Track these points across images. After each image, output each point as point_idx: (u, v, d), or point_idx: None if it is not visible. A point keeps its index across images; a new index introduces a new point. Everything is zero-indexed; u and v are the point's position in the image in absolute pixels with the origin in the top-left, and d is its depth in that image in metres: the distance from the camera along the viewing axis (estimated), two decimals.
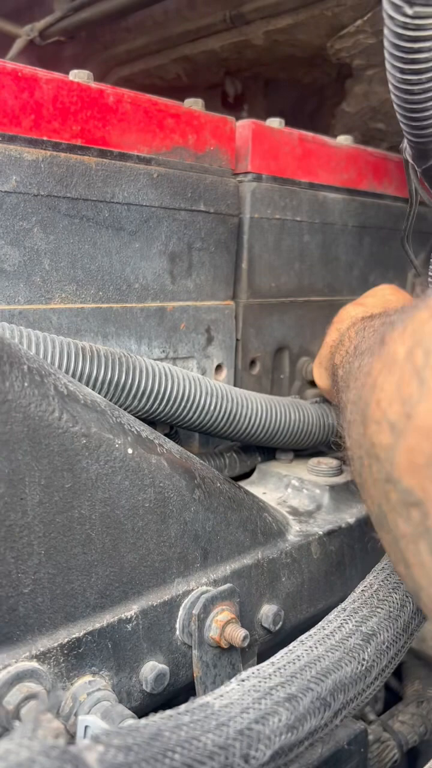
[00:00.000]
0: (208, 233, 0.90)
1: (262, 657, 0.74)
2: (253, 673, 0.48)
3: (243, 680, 0.47)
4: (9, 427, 0.49)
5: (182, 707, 0.43)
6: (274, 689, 0.46)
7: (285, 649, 0.52)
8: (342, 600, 0.82)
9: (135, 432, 0.60)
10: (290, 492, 0.88)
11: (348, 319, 0.88)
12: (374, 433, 0.47)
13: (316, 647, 0.52)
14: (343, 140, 1.10)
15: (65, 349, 0.69)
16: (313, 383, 1.06)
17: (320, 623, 0.56)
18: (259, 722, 0.43)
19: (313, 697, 0.47)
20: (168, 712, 0.42)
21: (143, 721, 0.41)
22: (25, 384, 0.50)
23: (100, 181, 0.77)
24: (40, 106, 0.72)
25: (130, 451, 0.59)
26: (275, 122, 0.97)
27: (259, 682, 0.47)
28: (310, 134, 1.03)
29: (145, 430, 0.63)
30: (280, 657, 0.51)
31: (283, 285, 1.02)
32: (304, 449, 0.96)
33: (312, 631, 0.54)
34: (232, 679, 0.47)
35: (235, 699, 0.45)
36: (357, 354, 0.69)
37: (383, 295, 0.92)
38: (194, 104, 0.87)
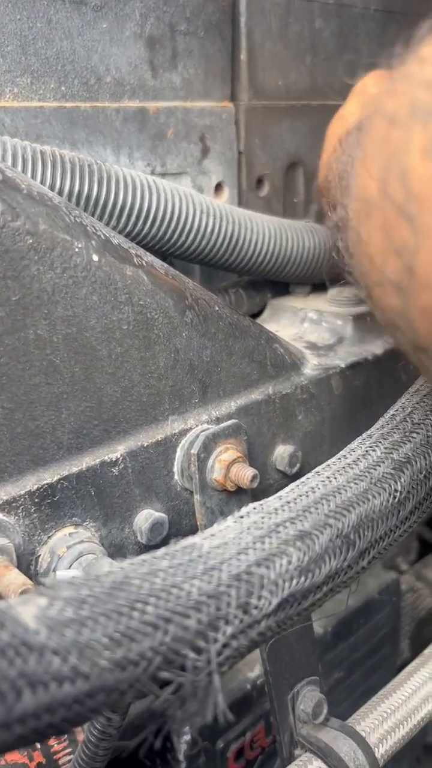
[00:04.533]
0: (195, 12, 0.73)
1: None
2: (254, 508, 0.38)
3: (241, 517, 0.37)
4: None
5: (160, 551, 0.34)
6: (281, 526, 0.37)
7: (296, 482, 0.42)
8: None
9: (102, 237, 0.48)
10: (307, 326, 0.76)
11: (329, 149, 0.73)
12: (380, 297, 0.38)
13: (335, 477, 0.42)
14: None
15: (19, 152, 0.55)
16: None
17: (340, 453, 0.46)
18: (262, 565, 0.34)
19: (333, 534, 0.38)
20: (142, 556, 0.33)
21: (107, 567, 0.32)
22: None
23: None
24: None
25: (95, 258, 0.46)
26: None
27: (262, 518, 0.37)
28: None
29: (117, 237, 0.50)
30: (289, 490, 0.41)
31: (293, 84, 0.84)
32: (320, 282, 0.83)
33: (330, 460, 0.44)
34: (228, 517, 0.38)
35: (231, 539, 0.35)
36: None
37: (364, 92, 0.75)
38: None
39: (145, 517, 0.52)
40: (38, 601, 0.28)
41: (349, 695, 0.77)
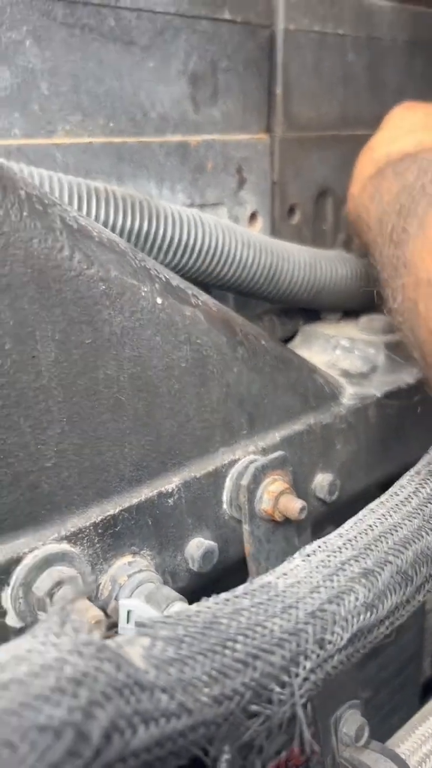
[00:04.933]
0: (235, 49, 0.75)
1: (315, 531, 0.68)
2: (319, 546, 0.41)
3: (309, 555, 0.40)
4: (8, 268, 0.40)
5: (239, 589, 0.36)
6: (347, 564, 0.39)
7: (353, 519, 0.44)
8: (401, 467, 0.74)
9: (163, 279, 0.50)
10: (339, 353, 0.78)
11: (358, 182, 0.75)
12: None
13: (390, 515, 0.44)
14: None
15: (75, 189, 0.58)
16: None
17: (390, 489, 0.48)
18: (333, 602, 0.36)
19: (393, 571, 0.40)
20: (223, 595, 0.35)
21: (194, 607, 0.34)
22: (24, 214, 0.40)
23: None
24: None
25: (159, 300, 0.49)
26: None
27: (328, 556, 0.40)
28: None
29: (175, 278, 0.53)
30: (349, 528, 0.43)
31: (325, 115, 0.87)
32: (353, 309, 0.85)
33: (383, 498, 0.46)
34: (295, 555, 0.40)
35: (302, 577, 0.37)
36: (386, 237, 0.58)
37: (394, 124, 0.77)
38: None
39: (197, 545, 0.54)
40: (142, 641, 0.30)
41: (376, 713, 0.79)
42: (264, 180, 0.82)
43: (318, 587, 0.37)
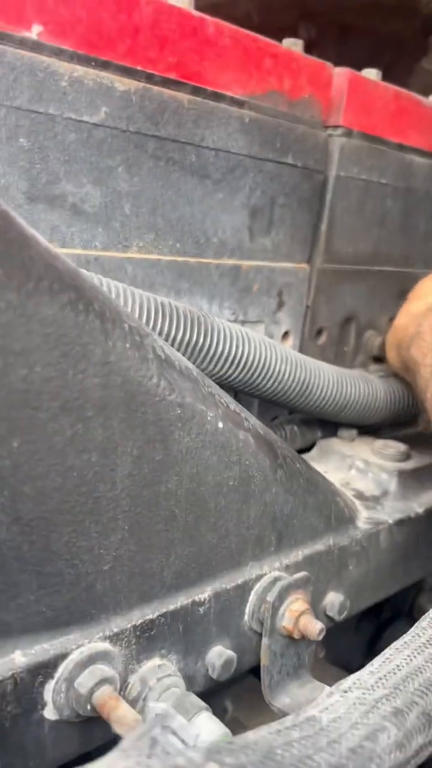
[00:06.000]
0: (293, 189, 0.83)
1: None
2: (354, 683, 0.44)
3: (345, 691, 0.43)
4: (108, 392, 0.44)
5: (288, 720, 0.39)
6: (380, 702, 0.42)
7: (381, 657, 0.48)
8: (403, 586, 0.78)
9: (224, 404, 0.55)
10: (354, 474, 0.83)
11: (424, 301, 0.82)
12: None
13: (415, 656, 0.48)
14: None
15: (144, 303, 0.63)
16: (377, 359, 1.01)
17: (412, 630, 0.52)
18: (370, 739, 0.40)
19: (419, 712, 0.43)
20: (274, 725, 0.38)
21: (251, 735, 0.37)
22: (127, 345, 0.45)
23: (191, 121, 0.70)
24: (138, 30, 0.64)
25: (220, 425, 0.54)
26: (372, 73, 0.89)
27: (363, 693, 0.43)
28: (404, 90, 0.95)
29: (232, 403, 0.58)
30: (378, 666, 0.47)
31: (360, 251, 0.95)
32: (368, 426, 0.91)
33: (406, 638, 0.50)
34: (332, 689, 0.43)
35: (342, 713, 0.41)
36: None
37: None
38: (293, 45, 0.79)
39: (218, 654, 0.57)
40: (211, 767, 0.33)
41: None
42: (300, 304, 0.89)
43: (356, 724, 0.40)
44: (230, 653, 0.57)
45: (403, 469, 0.82)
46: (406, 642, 0.50)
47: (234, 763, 0.34)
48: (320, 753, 0.37)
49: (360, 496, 0.79)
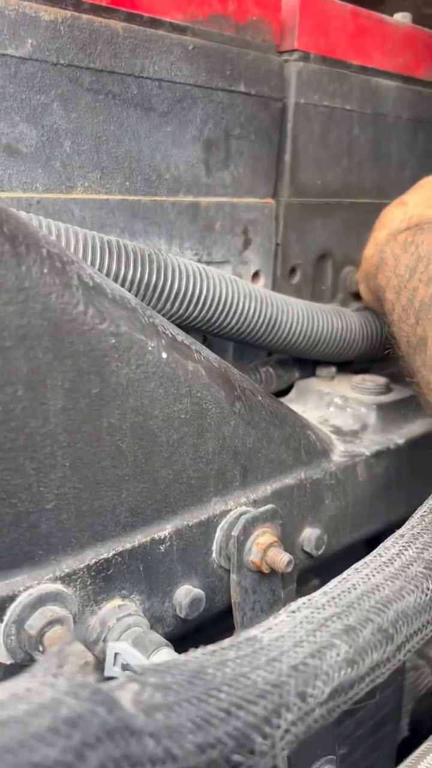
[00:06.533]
0: (248, 119, 0.80)
1: (300, 582, 0.69)
2: (304, 603, 0.42)
3: (293, 611, 0.41)
4: (27, 320, 0.42)
5: (226, 642, 0.38)
6: (330, 620, 0.41)
7: (338, 578, 0.46)
8: (386, 525, 0.77)
9: (169, 335, 0.53)
10: (333, 411, 0.81)
11: (387, 229, 0.79)
12: None
13: (374, 575, 0.46)
14: (401, 18, 0.97)
15: (89, 242, 0.61)
16: (357, 295, 0.97)
17: (375, 550, 0.50)
18: (315, 656, 0.38)
19: (374, 629, 0.42)
20: (210, 647, 0.37)
21: (182, 656, 0.36)
22: (45, 270, 0.43)
23: (128, 50, 0.67)
24: None
25: (164, 355, 0.51)
26: None
27: (312, 612, 0.41)
28: (364, 10, 0.90)
29: (180, 334, 0.55)
30: (333, 586, 0.45)
31: (329, 183, 0.91)
32: (346, 362, 0.88)
33: (367, 558, 0.48)
34: (281, 611, 0.42)
35: (286, 632, 0.39)
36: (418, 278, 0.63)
37: None
38: None
39: (185, 592, 0.56)
40: (132, 687, 0.32)
41: None
42: (268, 241, 0.86)
43: (301, 642, 0.38)
44: (198, 591, 0.56)
45: (382, 402, 0.79)
46: (366, 562, 0.48)
47: (157, 683, 0.33)
48: (257, 671, 0.35)
49: (338, 431, 0.77)
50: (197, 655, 0.36)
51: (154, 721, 0.30)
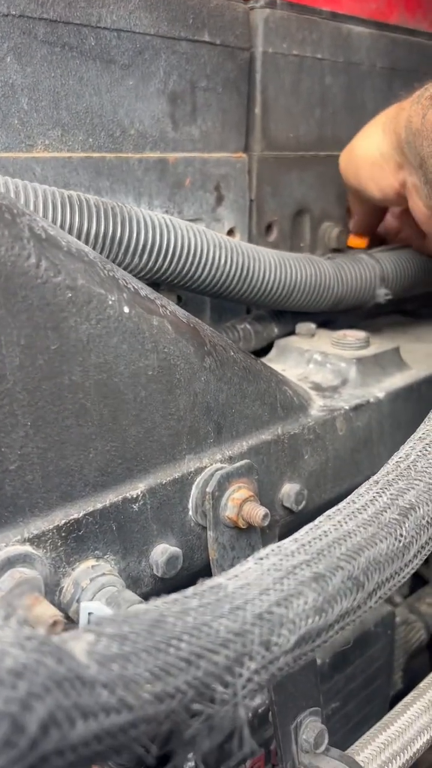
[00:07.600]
0: (214, 70, 0.77)
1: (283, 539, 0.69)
2: (272, 550, 0.41)
3: (261, 558, 0.41)
4: None
5: (189, 590, 0.37)
6: (298, 568, 0.40)
7: (309, 525, 0.45)
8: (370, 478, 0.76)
9: (132, 289, 0.52)
10: (312, 367, 0.80)
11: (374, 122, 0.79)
12: None
13: (346, 522, 0.45)
14: None
15: (49, 197, 0.59)
16: (337, 251, 0.96)
17: (349, 497, 0.49)
18: (282, 605, 0.37)
19: (344, 576, 0.41)
20: (172, 595, 0.36)
21: (143, 606, 0.35)
22: None
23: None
24: None
25: (126, 309, 0.50)
26: None
27: (280, 560, 0.40)
28: None
29: (144, 289, 0.54)
30: (304, 533, 0.44)
31: (303, 136, 0.89)
32: (324, 312, 0.86)
33: (340, 505, 0.47)
34: (249, 558, 0.41)
35: (252, 579, 0.38)
36: None
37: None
38: None
39: (161, 551, 0.55)
40: (86, 637, 0.31)
41: (344, 725, 0.79)
42: (242, 198, 0.84)
43: (267, 590, 0.38)
44: (175, 549, 0.55)
45: (362, 356, 0.78)
46: (339, 509, 0.47)
47: (114, 632, 0.32)
48: (220, 620, 0.35)
49: (318, 387, 0.75)
50: (158, 604, 0.35)
51: (108, 671, 0.30)
